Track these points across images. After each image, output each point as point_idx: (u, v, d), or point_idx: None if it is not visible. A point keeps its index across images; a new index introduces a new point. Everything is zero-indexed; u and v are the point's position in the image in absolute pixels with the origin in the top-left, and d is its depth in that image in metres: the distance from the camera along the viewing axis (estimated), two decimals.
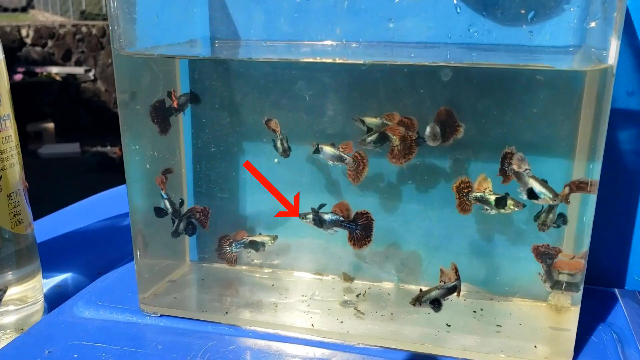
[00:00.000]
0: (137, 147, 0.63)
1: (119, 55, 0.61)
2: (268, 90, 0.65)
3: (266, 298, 0.68)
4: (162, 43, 0.68)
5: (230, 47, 0.69)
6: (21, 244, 0.70)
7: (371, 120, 0.61)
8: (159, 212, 0.68)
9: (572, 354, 0.59)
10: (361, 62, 0.54)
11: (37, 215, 0.96)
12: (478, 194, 0.60)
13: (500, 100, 0.61)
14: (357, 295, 0.68)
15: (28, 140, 4.58)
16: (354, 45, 0.58)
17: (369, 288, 0.69)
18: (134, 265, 0.69)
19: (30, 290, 0.71)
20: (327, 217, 0.62)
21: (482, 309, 0.66)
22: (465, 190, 0.60)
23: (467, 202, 0.60)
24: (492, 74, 0.59)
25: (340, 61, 0.56)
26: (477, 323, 0.64)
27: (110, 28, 0.60)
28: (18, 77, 4.73)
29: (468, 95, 0.61)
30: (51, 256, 0.87)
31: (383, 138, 0.60)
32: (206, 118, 0.69)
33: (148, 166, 0.65)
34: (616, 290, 0.75)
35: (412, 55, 0.55)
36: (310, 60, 0.60)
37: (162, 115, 0.65)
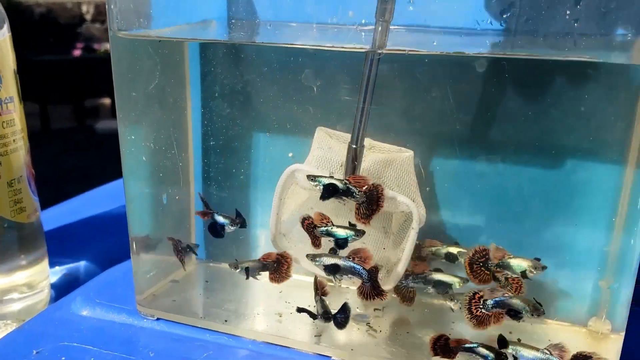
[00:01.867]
0: (132, 137, 0.58)
1: (115, 37, 0.55)
2: (280, 76, 0.58)
3: (271, 307, 0.62)
4: (178, 23, 0.62)
5: (246, 29, 0.63)
6: (24, 232, 0.67)
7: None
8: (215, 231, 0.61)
9: None
10: (378, 51, 0.47)
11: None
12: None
13: (538, 97, 0.52)
14: (375, 310, 0.61)
15: (85, 116, 4.69)
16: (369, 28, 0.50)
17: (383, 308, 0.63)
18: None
19: (34, 279, 0.68)
20: (341, 263, 0.53)
21: (511, 332, 0.58)
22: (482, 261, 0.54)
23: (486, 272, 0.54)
24: (530, 67, 0.51)
25: (351, 48, 0.49)
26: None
27: (107, 7, 0.55)
28: (77, 53, 4.81)
29: (500, 90, 0.53)
30: (65, 243, 0.84)
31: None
32: (215, 107, 0.63)
33: (144, 158, 0.59)
34: None
35: (435, 44, 0.47)
36: (319, 46, 0.53)
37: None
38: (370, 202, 0.52)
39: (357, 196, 0.52)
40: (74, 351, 0.57)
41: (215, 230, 0.60)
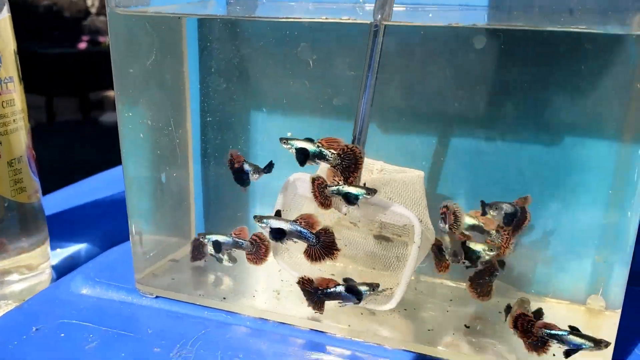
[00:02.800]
0: (130, 114, 0.58)
1: (113, 14, 0.55)
2: (277, 51, 0.58)
3: (269, 284, 0.62)
4: (179, 2, 0.62)
5: (242, 4, 0.63)
6: (25, 212, 0.67)
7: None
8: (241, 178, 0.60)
9: None
10: (369, 22, 0.47)
11: None
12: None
13: (534, 71, 0.52)
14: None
15: (91, 108, 4.71)
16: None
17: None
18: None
19: (35, 260, 0.68)
20: (288, 227, 0.54)
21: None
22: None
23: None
24: (525, 40, 0.51)
25: (347, 20, 0.48)
26: (504, 325, 0.56)
27: None
28: (82, 45, 4.82)
29: (495, 64, 0.53)
30: (67, 227, 0.85)
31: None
32: (213, 83, 0.63)
33: (142, 135, 0.59)
34: None
35: (430, 16, 0.47)
36: (314, 19, 0.53)
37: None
38: (348, 165, 0.52)
39: (330, 159, 0.52)
40: (73, 328, 0.58)
41: (241, 178, 0.59)
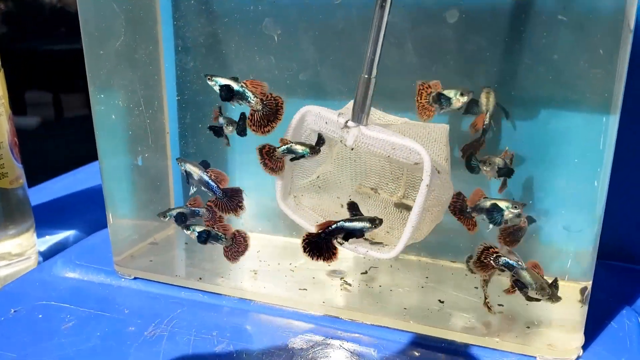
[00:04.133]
0: (102, 96, 0.58)
1: None
2: (242, 27, 0.57)
3: (247, 265, 0.62)
4: None
5: None
6: (8, 198, 0.67)
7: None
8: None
9: (581, 340, 0.51)
10: None
11: None
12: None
13: (515, 46, 0.51)
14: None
15: None
16: None
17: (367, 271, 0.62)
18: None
19: (21, 246, 0.69)
20: (196, 174, 0.56)
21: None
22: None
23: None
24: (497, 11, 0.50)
25: None
26: (478, 301, 0.55)
27: None
28: None
29: (475, 41, 0.52)
30: (55, 214, 0.85)
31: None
32: (185, 61, 0.63)
33: (114, 117, 0.59)
34: None
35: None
36: None
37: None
38: (269, 112, 0.52)
39: (252, 101, 0.52)
40: (52, 309, 0.58)
41: (216, 131, 0.60)
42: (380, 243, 0.54)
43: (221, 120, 0.59)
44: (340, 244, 0.51)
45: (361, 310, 0.55)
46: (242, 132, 0.57)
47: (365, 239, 0.53)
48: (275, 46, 0.55)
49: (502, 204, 0.51)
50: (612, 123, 0.46)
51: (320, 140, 0.53)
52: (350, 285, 0.58)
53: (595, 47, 0.48)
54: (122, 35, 0.56)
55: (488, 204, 0.52)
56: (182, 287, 0.61)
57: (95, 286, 0.62)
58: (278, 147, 0.53)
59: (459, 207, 0.54)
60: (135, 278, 0.63)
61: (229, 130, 0.59)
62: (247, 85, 0.51)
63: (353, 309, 0.55)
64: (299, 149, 0.53)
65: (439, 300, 0.56)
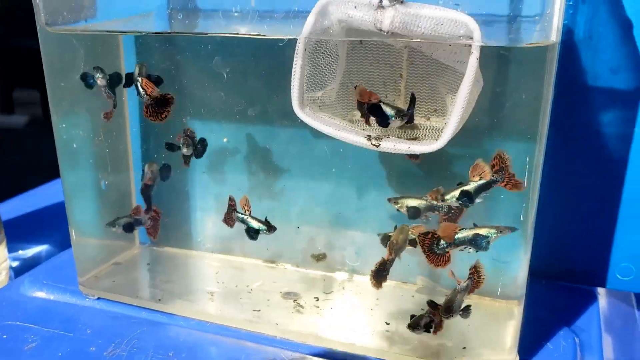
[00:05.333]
0: (64, 125, 0.61)
1: (43, 30, 0.58)
2: (195, 64, 0.61)
3: (205, 286, 0.65)
4: (126, 15, 0.64)
5: (188, 19, 0.65)
6: None
7: None
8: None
9: None
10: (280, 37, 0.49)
11: None
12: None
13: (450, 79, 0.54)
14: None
15: None
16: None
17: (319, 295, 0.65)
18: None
19: None
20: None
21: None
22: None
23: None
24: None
25: (256, 36, 0.50)
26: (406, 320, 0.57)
27: (33, 1, 0.57)
28: None
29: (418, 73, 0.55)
30: (28, 229, 0.87)
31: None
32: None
33: (75, 145, 0.62)
34: (598, 290, 0.68)
35: (332, 32, 0.49)
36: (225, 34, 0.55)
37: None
38: (159, 104, 0.57)
39: (142, 96, 0.58)
40: (17, 330, 0.60)
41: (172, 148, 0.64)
42: (417, 139, 0.50)
43: (182, 140, 0.62)
44: (377, 146, 0.48)
45: (311, 332, 0.57)
46: (199, 155, 0.62)
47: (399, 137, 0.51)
48: (224, 83, 0.58)
49: (484, 231, 0.52)
50: (537, 150, 0.49)
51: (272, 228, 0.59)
52: (302, 307, 0.61)
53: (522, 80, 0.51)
54: (82, 69, 0.59)
55: (471, 234, 0.52)
56: (143, 307, 0.63)
57: (61, 306, 0.65)
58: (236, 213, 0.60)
59: (429, 245, 0.53)
60: (98, 298, 0.65)
61: (186, 151, 0.62)
62: (142, 82, 0.57)
63: (304, 331, 0.58)
64: (254, 224, 0.58)
65: (386, 322, 0.59)
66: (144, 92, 0.58)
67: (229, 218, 0.60)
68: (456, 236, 0.52)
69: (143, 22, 0.65)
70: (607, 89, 0.61)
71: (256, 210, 0.60)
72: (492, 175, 0.51)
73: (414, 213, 0.54)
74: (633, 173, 0.62)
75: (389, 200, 0.56)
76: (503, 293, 0.58)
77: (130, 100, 0.66)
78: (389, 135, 0.50)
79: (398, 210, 0.55)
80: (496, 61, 0.53)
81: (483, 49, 0.44)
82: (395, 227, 0.54)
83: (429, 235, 0.52)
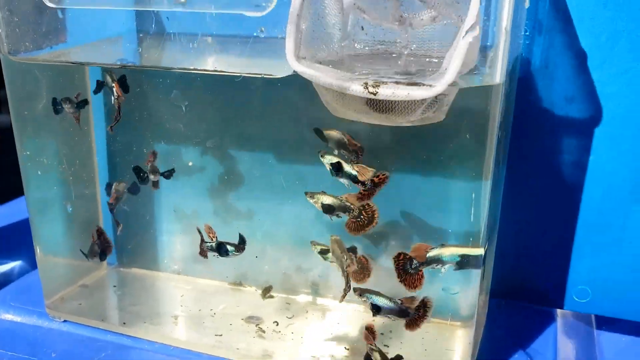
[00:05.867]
0: (28, 152, 0.61)
1: (6, 58, 0.58)
2: (153, 97, 0.62)
3: (169, 309, 0.66)
4: (94, 39, 0.65)
5: (150, 44, 0.65)
6: None
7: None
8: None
9: None
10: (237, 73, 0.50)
11: None
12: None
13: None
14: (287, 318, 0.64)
15: None
16: None
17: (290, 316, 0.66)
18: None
19: None
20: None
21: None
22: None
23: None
24: None
25: (213, 71, 0.51)
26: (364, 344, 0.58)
27: None
28: None
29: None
30: (2, 244, 0.88)
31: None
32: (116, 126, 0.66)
33: (39, 172, 0.63)
34: (557, 311, 0.70)
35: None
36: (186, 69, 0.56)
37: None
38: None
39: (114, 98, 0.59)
40: None
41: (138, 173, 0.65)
42: (418, 84, 0.46)
43: (149, 167, 0.63)
44: (374, 94, 0.44)
45: (272, 356, 0.59)
46: (168, 176, 0.65)
47: (398, 82, 0.46)
48: (182, 115, 0.59)
49: (454, 250, 0.52)
50: (484, 187, 0.50)
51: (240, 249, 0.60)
52: (264, 332, 0.62)
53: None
54: (44, 99, 0.59)
55: (447, 252, 0.52)
56: (108, 330, 0.64)
57: (27, 328, 0.66)
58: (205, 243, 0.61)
59: (402, 266, 0.53)
60: (65, 321, 0.66)
61: (153, 177, 0.63)
62: (115, 87, 0.58)
63: (265, 355, 0.59)
64: (228, 247, 0.60)
65: (345, 347, 0.60)
66: (117, 96, 0.59)
67: (202, 250, 0.62)
68: (427, 254, 0.52)
69: (110, 48, 0.66)
70: (563, 117, 0.63)
71: (222, 233, 0.61)
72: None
73: (328, 209, 0.55)
74: (588, 199, 0.64)
75: (306, 193, 0.56)
76: (456, 314, 0.59)
77: (96, 127, 0.67)
78: (386, 82, 0.46)
79: (314, 204, 0.56)
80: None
81: None
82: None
83: (401, 257, 0.52)
